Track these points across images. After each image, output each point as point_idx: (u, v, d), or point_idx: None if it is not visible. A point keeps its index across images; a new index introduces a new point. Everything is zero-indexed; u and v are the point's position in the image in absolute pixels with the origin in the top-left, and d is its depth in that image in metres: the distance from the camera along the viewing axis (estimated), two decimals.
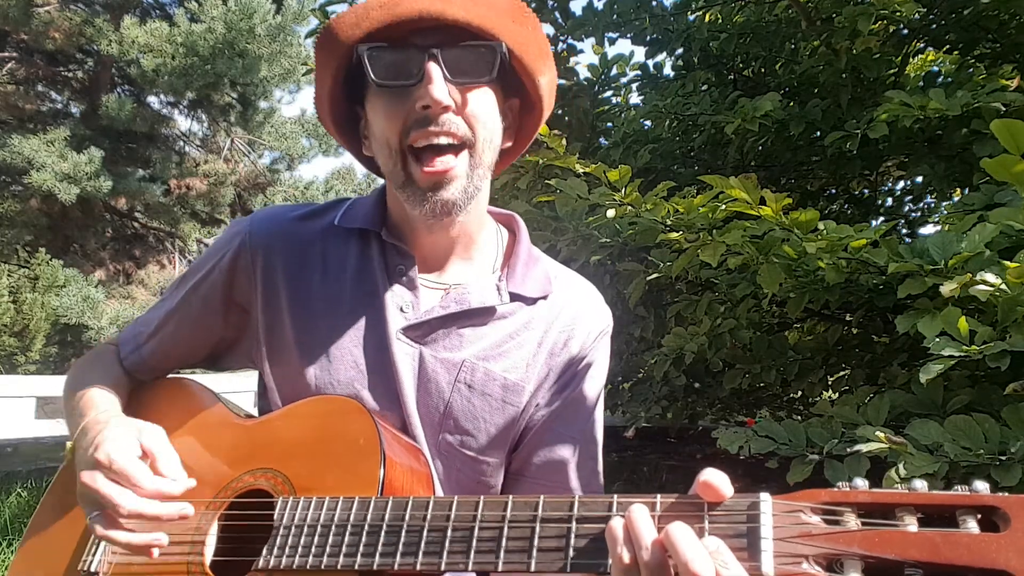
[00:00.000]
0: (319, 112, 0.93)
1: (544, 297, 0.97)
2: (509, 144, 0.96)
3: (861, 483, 0.57)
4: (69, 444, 0.93)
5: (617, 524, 0.60)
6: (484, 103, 0.85)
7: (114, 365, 1.04)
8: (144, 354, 1.04)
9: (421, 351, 0.91)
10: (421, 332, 0.92)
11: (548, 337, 0.96)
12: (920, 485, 0.55)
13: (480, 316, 0.93)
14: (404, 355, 0.91)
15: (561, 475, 0.97)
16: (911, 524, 0.54)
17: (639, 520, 0.59)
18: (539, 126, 0.96)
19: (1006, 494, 0.53)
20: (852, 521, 0.55)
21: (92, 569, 0.88)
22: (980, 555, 0.50)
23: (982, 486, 0.54)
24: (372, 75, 0.81)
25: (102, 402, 0.94)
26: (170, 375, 1.08)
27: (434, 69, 0.79)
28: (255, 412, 1.00)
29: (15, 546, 2.95)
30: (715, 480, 0.59)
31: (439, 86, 0.79)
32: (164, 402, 1.03)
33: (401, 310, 0.92)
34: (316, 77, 0.89)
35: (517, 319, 0.95)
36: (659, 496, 0.62)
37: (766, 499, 0.58)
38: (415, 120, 0.81)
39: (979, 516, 0.53)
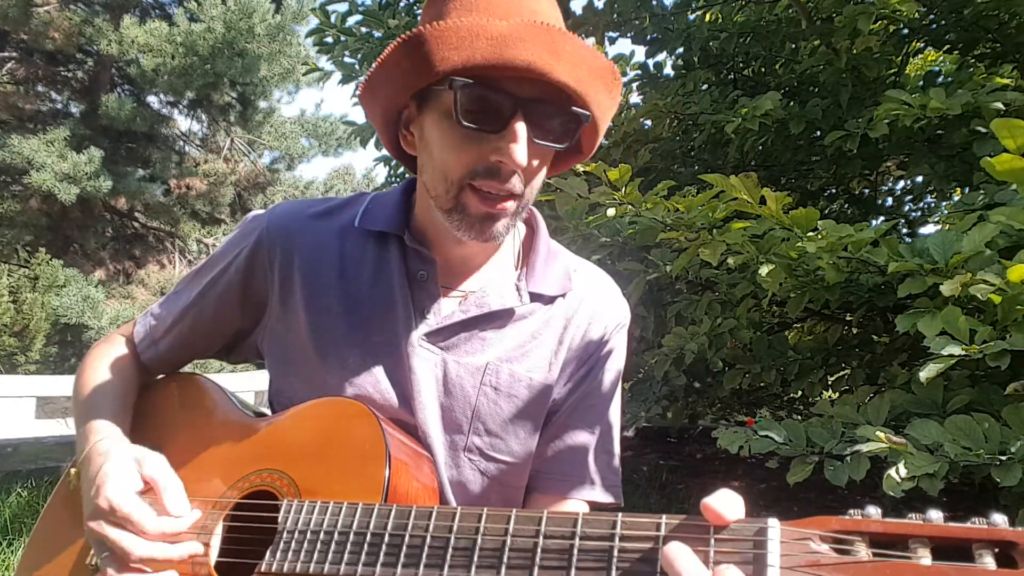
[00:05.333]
0: (367, 95, 0.87)
1: (563, 295, 0.96)
2: None
3: (873, 511, 0.55)
4: (73, 471, 0.93)
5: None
6: (543, 163, 0.85)
7: (127, 366, 1.04)
8: (161, 349, 1.04)
9: (444, 357, 0.90)
10: (442, 337, 0.91)
11: (568, 332, 0.96)
12: (935, 516, 0.53)
13: (500, 319, 0.92)
14: (426, 361, 0.89)
15: (578, 467, 0.96)
16: (924, 557, 0.52)
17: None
18: (572, 165, 0.97)
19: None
20: (863, 551, 0.53)
21: (98, 564, 0.88)
22: None
23: (1000, 519, 0.52)
24: (458, 113, 0.77)
25: (108, 423, 0.93)
26: (182, 371, 1.08)
27: (521, 129, 0.77)
28: (263, 410, 1.00)
29: (15, 546, 2.95)
30: (716, 505, 0.57)
31: (523, 150, 0.77)
32: (175, 399, 1.04)
33: (422, 315, 0.90)
34: (384, 67, 0.81)
35: (537, 318, 0.95)
36: (664, 517, 0.61)
37: (774, 525, 0.56)
38: (484, 168, 0.80)
39: (996, 550, 0.51)
